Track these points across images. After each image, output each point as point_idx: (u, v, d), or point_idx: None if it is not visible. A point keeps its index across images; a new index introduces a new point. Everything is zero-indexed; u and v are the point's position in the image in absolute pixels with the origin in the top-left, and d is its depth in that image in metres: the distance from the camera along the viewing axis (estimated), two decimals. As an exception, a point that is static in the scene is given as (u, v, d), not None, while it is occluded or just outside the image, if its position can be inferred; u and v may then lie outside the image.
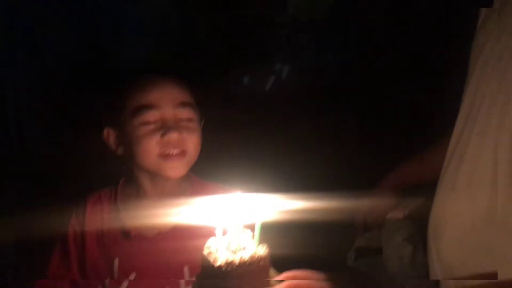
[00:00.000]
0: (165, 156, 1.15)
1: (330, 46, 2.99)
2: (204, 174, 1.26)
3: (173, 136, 1.14)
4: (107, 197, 1.27)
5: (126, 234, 1.19)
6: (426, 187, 1.27)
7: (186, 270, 1.17)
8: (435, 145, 1.26)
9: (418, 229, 1.34)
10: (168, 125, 1.15)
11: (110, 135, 1.22)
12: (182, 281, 1.16)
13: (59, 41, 2.04)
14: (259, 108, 2.69)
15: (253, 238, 0.82)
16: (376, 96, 2.67)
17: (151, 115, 1.15)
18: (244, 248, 0.82)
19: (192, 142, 1.17)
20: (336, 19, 2.95)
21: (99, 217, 1.23)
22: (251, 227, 0.84)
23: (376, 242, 1.39)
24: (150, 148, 1.14)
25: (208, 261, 0.80)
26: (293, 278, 0.81)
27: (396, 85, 2.65)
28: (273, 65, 2.87)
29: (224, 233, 0.83)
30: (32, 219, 1.26)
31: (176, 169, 1.16)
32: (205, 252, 0.82)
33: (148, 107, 1.15)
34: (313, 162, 2.30)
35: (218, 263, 0.79)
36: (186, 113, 1.18)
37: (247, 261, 0.79)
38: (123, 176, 1.28)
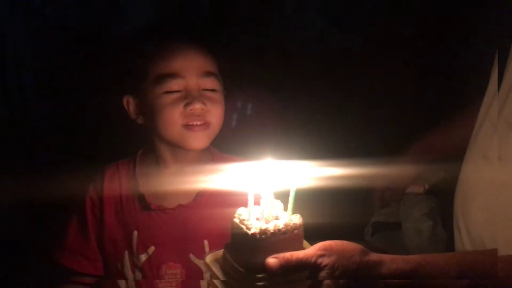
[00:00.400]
0: (188, 127, 1.12)
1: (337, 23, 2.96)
2: (226, 146, 1.24)
3: (197, 106, 1.11)
4: (125, 168, 1.24)
5: (146, 206, 1.17)
6: (447, 162, 1.25)
7: (206, 243, 1.15)
8: (461, 113, 1.23)
9: (438, 204, 1.32)
10: (192, 95, 1.12)
11: (130, 103, 1.18)
12: (206, 250, 1.15)
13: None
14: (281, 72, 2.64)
15: (285, 206, 0.81)
16: (399, 58, 2.61)
17: (175, 84, 1.12)
18: (277, 218, 0.81)
19: (216, 113, 1.14)
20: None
21: (117, 189, 1.21)
22: (281, 195, 0.82)
23: (394, 217, 1.37)
24: (173, 119, 1.11)
25: (241, 228, 0.78)
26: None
27: (419, 44, 2.60)
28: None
29: (256, 201, 0.82)
30: (49, 189, 1.24)
31: (199, 141, 1.13)
32: (237, 220, 0.81)
33: (172, 75, 1.12)
34: (337, 128, 2.25)
35: (252, 231, 0.77)
36: (210, 83, 1.15)
37: (281, 229, 0.77)
38: (142, 147, 1.26)
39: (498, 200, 0.92)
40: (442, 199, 1.32)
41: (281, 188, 0.81)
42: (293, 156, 0.84)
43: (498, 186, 0.91)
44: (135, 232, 1.17)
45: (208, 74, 1.15)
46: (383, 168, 1.26)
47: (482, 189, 0.95)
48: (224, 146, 1.25)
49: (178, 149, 1.16)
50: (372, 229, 1.39)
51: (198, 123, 1.12)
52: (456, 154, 1.10)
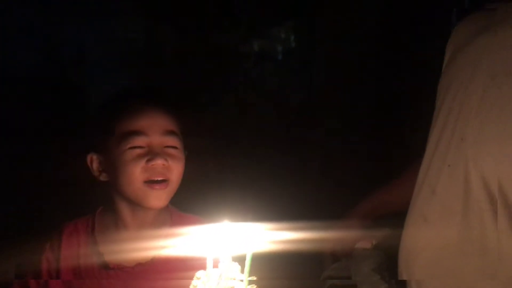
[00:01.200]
0: (149, 185, 1.17)
1: (294, 77, 3.09)
2: (183, 205, 1.29)
3: (158, 162, 1.17)
4: (83, 226, 1.26)
5: (105, 265, 1.19)
6: (393, 217, 1.34)
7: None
8: (403, 175, 1.32)
9: (386, 259, 1.39)
10: (154, 151, 1.18)
11: (94, 161, 1.23)
12: None
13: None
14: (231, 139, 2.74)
15: (242, 270, 0.85)
16: (342, 125, 2.76)
17: (139, 141, 1.18)
18: (234, 283, 0.85)
19: (176, 170, 1.20)
20: (300, 50, 3.05)
21: (75, 248, 1.22)
22: (239, 258, 0.87)
23: (345, 272, 1.43)
24: (135, 173, 1.16)
25: (200, 292, 0.82)
26: None
27: (361, 114, 2.76)
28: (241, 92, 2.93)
29: (214, 264, 0.86)
30: (2, 251, 1.24)
31: (159, 199, 1.18)
32: (195, 284, 0.84)
33: (137, 133, 1.18)
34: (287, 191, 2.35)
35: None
36: (172, 141, 1.21)
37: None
38: (101, 205, 1.29)
39: (439, 260, 1.00)
40: (390, 254, 1.40)
41: (238, 251, 0.85)
42: (249, 219, 0.90)
43: (437, 247, 0.99)
44: None
45: (170, 132, 1.22)
46: (334, 227, 1.33)
47: (423, 249, 1.03)
48: (182, 205, 1.29)
49: (138, 207, 1.20)
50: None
51: (159, 178, 1.17)
52: (402, 211, 1.18)
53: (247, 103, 2.94)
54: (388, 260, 1.39)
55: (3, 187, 1.62)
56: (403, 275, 1.09)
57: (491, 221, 0.93)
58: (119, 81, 2.76)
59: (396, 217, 1.25)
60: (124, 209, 1.22)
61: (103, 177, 1.23)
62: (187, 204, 1.31)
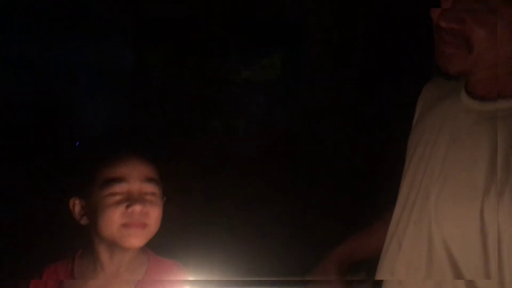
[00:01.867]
0: (126, 226, 1.22)
1: (281, 105, 3.14)
2: (161, 250, 1.32)
3: (136, 208, 1.22)
4: (63, 269, 1.29)
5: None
6: (369, 262, 1.37)
7: None
8: (378, 221, 1.36)
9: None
10: (133, 197, 1.23)
11: (76, 205, 1.28)
12: None
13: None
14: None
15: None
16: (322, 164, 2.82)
17: (119, 187, 1.23)
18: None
19: (153, 215, 1.25)
20: (287, 78, 3.11)
21: None
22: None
23: None
24: (114, 218, 1.22)
25: None
26: None
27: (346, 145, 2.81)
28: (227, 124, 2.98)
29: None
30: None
31: (136, 239, 1.23)
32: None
33: (117, 180, 1.24)
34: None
35: None
36: (151, 188, 1.27)
37: None
38: (80, 248, 1.32)
39: None
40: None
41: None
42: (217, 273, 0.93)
43: None
44: None
45: (149, 179, 1.27)
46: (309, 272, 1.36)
47: None
48: (160, 250, 1.33)
49: (116, 248, 1.25)
50: None
51: (136, 223, 1.22)
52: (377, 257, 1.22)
53: (234, 130, 2.99)
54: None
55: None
56: None
57: (452, 278, 0.97)
58: (108, 108, 2.80)
59: (373, 262, 1.28)
60: (102, 251, 1.26)
61: (84, 221, 1.28)
62: (166, 246, 1.35)
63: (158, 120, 2.95)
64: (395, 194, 1.19)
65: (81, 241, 1.31)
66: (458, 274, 0.96)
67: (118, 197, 1.22)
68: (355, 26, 2.89)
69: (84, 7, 2.71)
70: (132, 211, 1.21)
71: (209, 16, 2.94)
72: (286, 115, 3.15)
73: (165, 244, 1.32)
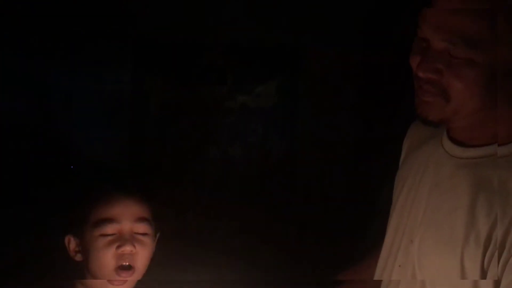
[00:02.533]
0: (117, 271, 1.24)
1: (277, 131, 3.17)
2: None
3: (127, 249, 1.24)
4: None
5: None
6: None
7: None
8: (367, 259, 1.38)
9: None
10: (124, 238, 1.25)
11: (71, 242, 1.31)
12: None
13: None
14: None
15: None
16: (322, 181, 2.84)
17: (110, 228, 1.25)
18: None
19: (142, 257, 1.27)
20: (283, 105, 3.14)
21: None
22: None
23: None
24: (106, 261, 1.24)
25: None
26: None
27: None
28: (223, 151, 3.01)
29: None
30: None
31: (124, 286, 1.25)
32: None
33: (109, 220, 1.26)
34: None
35: None
36: (142, 228, 1.28)
37: None
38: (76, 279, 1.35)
39: None
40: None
41: None
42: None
43: None
44: None
45: (141, 219, 1.29)
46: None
47: None
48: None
49: None
50: None
51: (127, 263, 1.24)
52: None
53: (230, 157, 3.02)
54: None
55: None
56: None
57: None
58: (104, 132, 2.83)
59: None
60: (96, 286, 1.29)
61: (78, 258, 1.30)
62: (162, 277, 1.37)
63: (154, 147, 2.98)
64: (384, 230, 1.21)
65: (75, 274, 1.33)
66: None
67: (109, 238, 1.25)
68: (351, 55, 2.93)
69: (83, 31, 2.75)
70: (122, 252, 1.24)
71: (206, 43, 2.99)
72: (282, 141, 3.18)
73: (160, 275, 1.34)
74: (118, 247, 1.23)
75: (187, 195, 2.84)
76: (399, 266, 1.06)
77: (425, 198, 1.05)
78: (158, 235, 1.34)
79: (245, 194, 2.91)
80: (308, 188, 2.97)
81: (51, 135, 2.78)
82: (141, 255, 1.26)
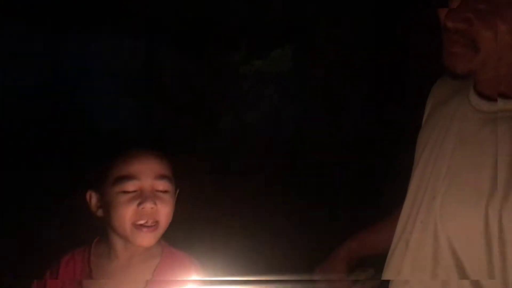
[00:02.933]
0: (138, 227, 1.25)
1: (291, 96, 3.15)
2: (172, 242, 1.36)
3: (148, 206, 1.25)
4: (80, 256, 1.34)
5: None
6: (378, 258, 1.38)
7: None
8: (386, 219, 1.36)
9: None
10: (145, 195, 1.26)
11: (92, 198, 1.33)
12: None
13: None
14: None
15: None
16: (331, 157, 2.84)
17: (131, 185, 1.26)
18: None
19: (164, 213, 1.28)
20: (297, 71, 3.12)
21: (72, 276, 1.30)
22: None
23: None
24: (126, 216, 1.25)
25: None
26: None
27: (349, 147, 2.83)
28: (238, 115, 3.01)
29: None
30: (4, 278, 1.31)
31: (147, 240, 1.27)
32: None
33: (129, 177, 1.27)
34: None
35: None
36: (162, 185, 1.29)
37: None
38: (97, 236, 1.37)
39: None
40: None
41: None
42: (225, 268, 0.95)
43: None
44: None
45: (161, 177, 1.30)
46: (317, 270, 1.38)
47: None
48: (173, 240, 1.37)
49: (129, 242, 1.28)
50: None
51: (148, 221, 1.26)
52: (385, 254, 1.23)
53: (245, 124, 3.01)
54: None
55: (4, 216, 1.70)
56: None
57: (456, 279, 0.98)
58: (119, 102, 2.84)
59: (382, 257, 1.29)
60: (117, 242, 1.31)
61: (99, 213, 1.32)
62: (177, 239, 1.39)
63: (170, 114, 2.98)
64: (404, 192, 1.20)
65: (97, 230, 1.35)
66: (462, 273, 0.97)
67: (130, 195, 1.26)
68: (366, 23, 2.89)
69: (99, 2, 2.73)
70: (143, 209, 1.25)
71: (221, 12, 2.95)
72: (297, 107, 3.16)
73: (176, 237, 1.36)
74: (139, 204, 1.25)
75: (201, 162, 2.84)
76: (421, 222, 1.06)
77: (450, 154, 1.04)
78: (177, 192, 1.35)
79: (259, 161, 2.91)
80: (322, 154, 2.96)
81: (69, 103, 2.80)
82: (162, 212, 1.27)
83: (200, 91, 2.94)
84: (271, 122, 3.06)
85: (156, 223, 1.26)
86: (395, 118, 2.47)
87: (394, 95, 2.59)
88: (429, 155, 1.11)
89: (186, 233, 1.44)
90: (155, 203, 1.25)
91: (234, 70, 3.06)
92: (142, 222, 1.25)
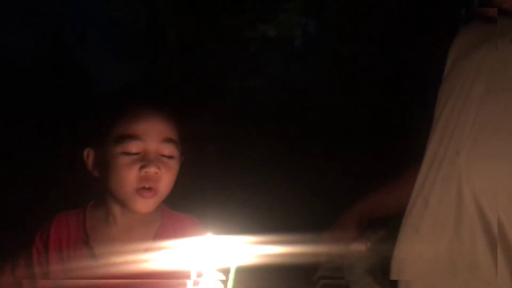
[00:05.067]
0: (138, 192, 1.15)
1: (299, 61, 3.06)
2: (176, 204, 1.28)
3: (151, 170, 1.14)
4: (74, 219, 1.25)
5: (93, 259, 1.19)
6: (389, 219, 1.33)
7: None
8: (402, 177, 1.30)
9: (380, 261, 1.39)
10: (148, 158, 1.15)
11: (90, 156, 1.22)
12: None
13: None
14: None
15: (227, 283, 0.85)
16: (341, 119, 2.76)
17: (134, 146, 1.15)
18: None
19: (167, 180, 1.18)
20: (304, 36, 3.02)
21: (65, 240, 1.22)
22: (224, 271, 0.86)
23: (338, 272, 1.44)
24: (127, 180, 1.15)
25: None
26: None
27: (361, 107, 2.74)
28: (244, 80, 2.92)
29: (198, 277, 0.85)
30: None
31: (146, 206, 1.17)
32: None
33: (132, 137, 1.15)
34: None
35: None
36: (168, 149, 1.18)
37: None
38: (92, 199, 1.28)
39: (430, 272, 0.99)
40: (384, 257, 1.39)
41: (222, 265, 0.84)
42: (234, 231, 0.89)
43: (427, 260, 0.99)
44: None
45: (168, 140, 1.18)
46: (328, 230, 1.33)
47: (414, 261, 1.02)
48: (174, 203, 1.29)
49: (127, 207, 1.19)
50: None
51: (150, 186, 1.15)
52: (398, 214, 1.17)
53: (251, 88, 2.93)
54: (382, 262, 1.39)
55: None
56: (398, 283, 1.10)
57: (482, 236, 0.93)
58: (122, 64, 2.76)
59: (392, 219, 1.24)
60: (115, 206, 1.21)
61: (96, 173, 1.22)
62: (180, 200, 1.31)
63: (173, 78, 2.90)
64: (421, 150, 1.13)
65: (94, 192, 1.27)
66: (488, 231, 0.92)
67: (132, 157, 1.14)
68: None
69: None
70: (146, 173, 1.14)
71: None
72: (305, 72, 3.07)
73: (180, 202, 1.28)
74: (142, 167, 1.14)
75: (207, 125, 2.77)
76: (442, 179, 0.99)
77: (476, 107, 0.97)
78: (182, 159, 1.24)
79: (265, 125, 2.84)
80: (329, 120, 2.88)
81: (68, 64, 2.73)
82: (165, 178, 1.17)
83: (203, 54, 2.85)
84: (279, 87, 2.97)
85: (157, 189, 1.16)
86: (408, 83, 2.38)
87: (409, 58, 2.49)
88: (451, 108, 1.04)
89: (186, 198, 1.36)
90: (159, 168, 1.15)
91: (239, 33, 2.95)
92: (143, 186, 1.15)
